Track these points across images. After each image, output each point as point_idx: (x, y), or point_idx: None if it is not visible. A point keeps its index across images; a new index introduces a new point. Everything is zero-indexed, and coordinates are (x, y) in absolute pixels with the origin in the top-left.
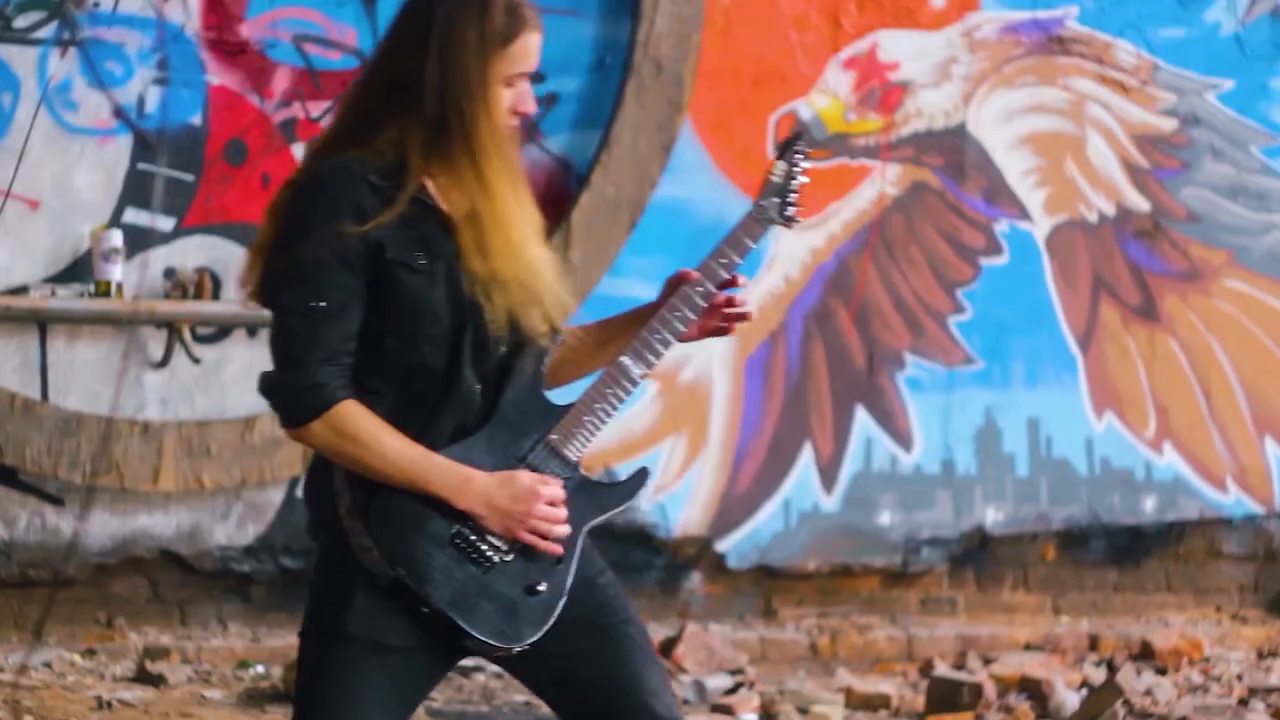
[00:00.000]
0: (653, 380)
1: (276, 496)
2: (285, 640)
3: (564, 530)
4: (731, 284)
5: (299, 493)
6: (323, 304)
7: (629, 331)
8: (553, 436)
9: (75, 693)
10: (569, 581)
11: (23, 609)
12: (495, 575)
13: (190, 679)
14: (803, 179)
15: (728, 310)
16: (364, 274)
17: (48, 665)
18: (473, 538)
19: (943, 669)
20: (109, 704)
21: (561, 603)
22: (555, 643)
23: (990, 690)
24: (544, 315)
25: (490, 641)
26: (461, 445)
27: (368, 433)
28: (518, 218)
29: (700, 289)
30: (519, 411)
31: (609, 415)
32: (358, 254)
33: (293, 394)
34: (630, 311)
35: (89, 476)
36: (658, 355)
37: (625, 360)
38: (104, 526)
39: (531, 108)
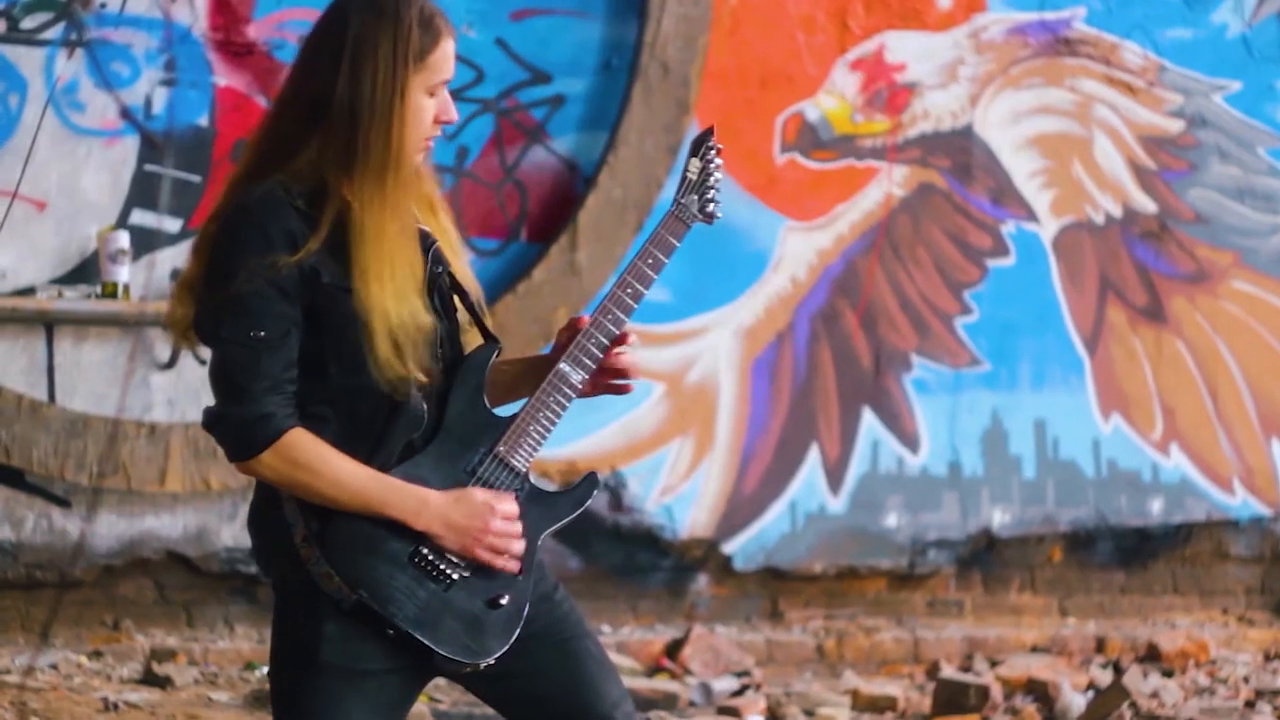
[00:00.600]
0: (659, 382)
1: None
2: None
3: (519, 547)
4: (622, 340)
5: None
6: (262, 334)
7: (538, 366)
8: (500, 448)
9: (82, 694)
10: (530, 592)
11: (29, 611)
12: (456, 591)
13: (197, 681)
14: (717, 174)
15: (614, 370)
16: (300, 301)
17: (54, 667)
18: (431, 556)
19: (949, 671)
20: (115, 706)
21: (525, 613)
22: (515, 661)
23: (997, 692)
24: (410, 359)
25: (456, 658)
26: (410, 464)
27: (320, 459)
28: (394, 246)
29: (629, 290)
30: (464, 425)
31: (553, 423)
32: (293, 281)
33: (240, 426)
34: (533, 356)
35: (96, 478)
36: (594, 359)
37: (564, 367)
38: (111, 528)
39: (454, 115)
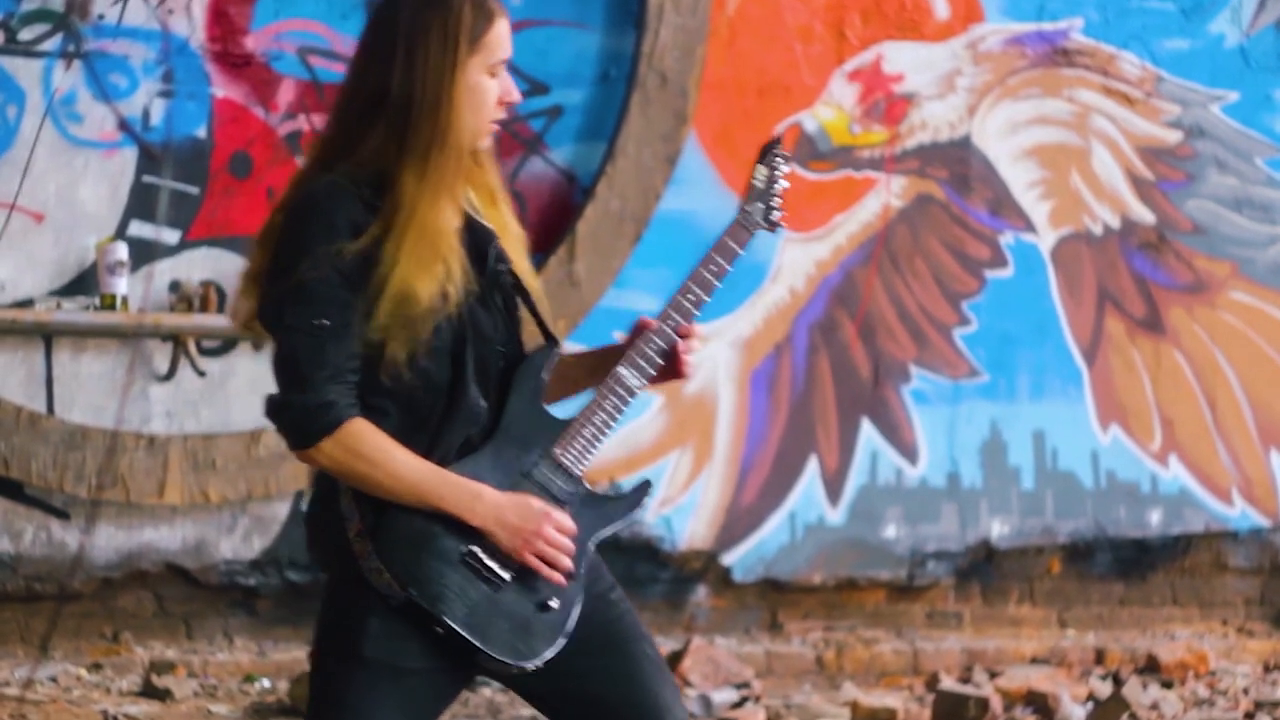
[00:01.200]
0: (658, 394)
1: (282, 510)
2: (291, 654)
3: (568, 563)
4: (689, 334)
5: (305, 506)
6: (326, 322)
7: (599, 363)
8: (556, 450)
9: (81, 707)
10: (580, 596)
11: (29, 623)
12: (507, 593)
13: (196, 693)
14: (784, 183)
15: (674, 364)
16: (362, 291)
17: (54, 679)
18: (484, 556)
19: (948, 682)
20: (115, 718)
21: (573, 617)
22: (566, 661)
23: (996, 704)
24: (404, 344)
25: (504, 660)
26: (468, 461)
27: (379, 450)
28: (440, 232)
29: (690, 296)
30: (522, 425)
31: (610, 427)
32: (356, 270)
33: (302, 414)
34: (596, 349)
35: (94, 490)
36: (654, 365)
37: (622, 371)
38: (110, 540)
39: (517, 96)
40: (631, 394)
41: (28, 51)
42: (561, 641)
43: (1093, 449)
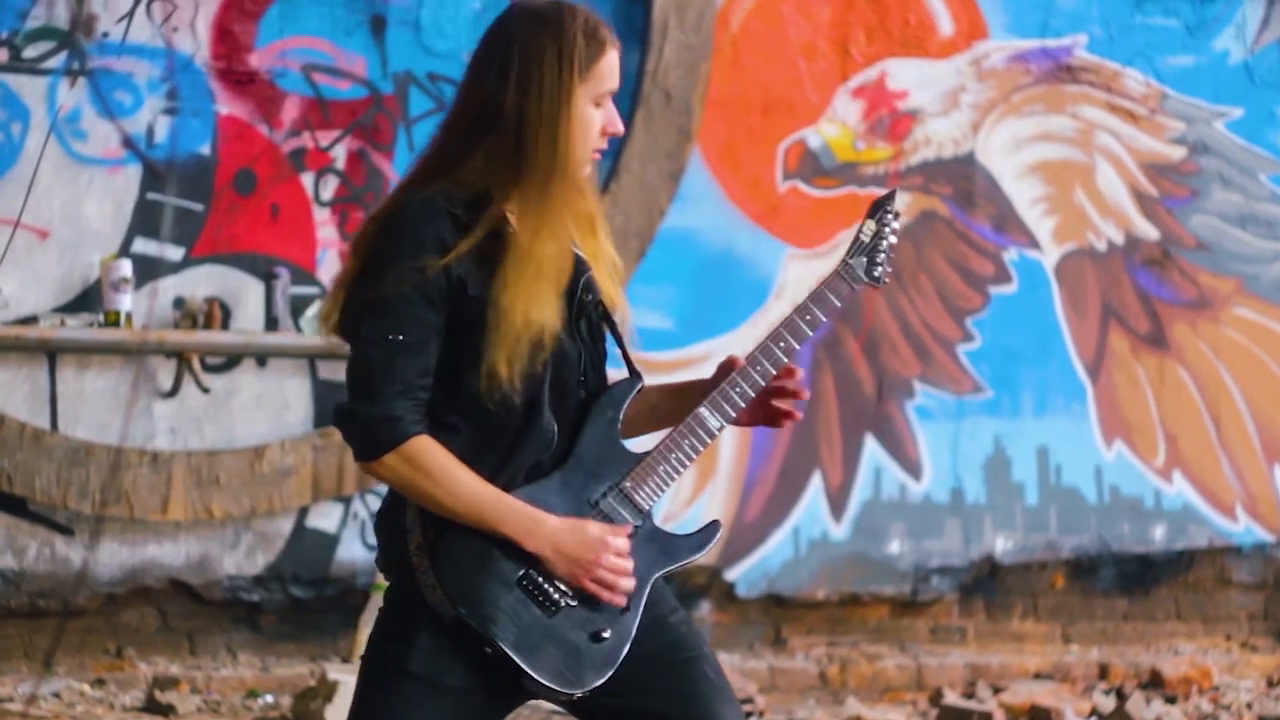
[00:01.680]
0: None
1: (286, 526)
2: (294, 670)
3: (629, 584)
4: (790, 374)
5: (308, 522)
6: (401, 337)
7: (683, 399)
8: (626, 484)
9: None
10: (634, 630)
11: (32, 639)
12: (560, 619)
13: (199, 709)
14: (891, 239)
15: (781, 402)
16: (445, 309)
17: (57, 695)
18: (540, 580)
19: (952, 698)
20: None
21: (625, 650)
22: (627, 680)
23: (1000, 719)
24: (513, 372)
25: (553, 686)
26: (535, 486)
27: (441, 469)
28: (547, 261)
29: (782, 344)
30: (594, 455)
31: (684, 466)
32: (440, 289)
33: (367, 426)
34: (683, 383)
35: (98, 506)
36: (736, 408)
37: (703, 412)
38: (113, 556)
39: (620, 127)
40: (712, 435)
41: (32, 69)
42: (610, 673)
43: (1097, 464)
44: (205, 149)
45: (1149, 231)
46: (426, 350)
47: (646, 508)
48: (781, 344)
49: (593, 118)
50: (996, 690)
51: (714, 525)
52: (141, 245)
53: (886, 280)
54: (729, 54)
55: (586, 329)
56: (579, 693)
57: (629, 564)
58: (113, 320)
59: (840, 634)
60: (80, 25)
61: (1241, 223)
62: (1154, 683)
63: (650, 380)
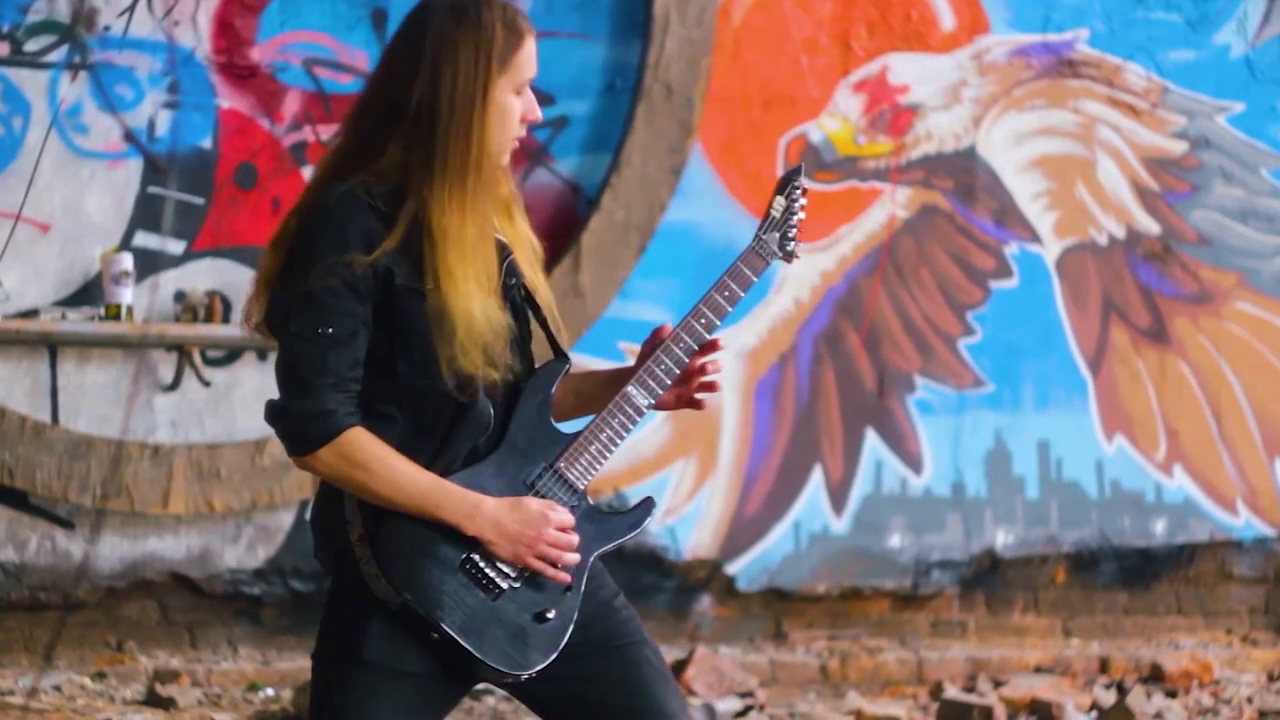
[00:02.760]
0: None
1: (286, 519)
2: (295, 663)
3: (573, 558)
4: (712, 347)
5: (309, 515)
6: (330, 330)
7: (609, 384)
8: (560, 464)
9: (85, 716)
10: (577, 609)
11: (33, 632)
12: (504, 602)
13: (200, 702)
14: (801, 214)
15: (700, 379)
16: (372, 301)
17: (58, 688)
18: (482, 564)
19: (953, 691)
20: None
21: (569, 630)
22: (569, 666)
23: (1001, 713)
24: (481, 362)
25: (499, 668)
26: (471, 471)
27: (377, 459)
28: (470, 246)
29: (703, 320)
30: (527, 437)
31: (616, 444)
32: (366, 281)
33: (300, 421)
34: (608, 369)
35: (99, 499)
36: (662, 385)
37: (631, 390)
38: (114, 549)
39: (539, 115)
40: (640, 413)
41: (34, 63)
42: (555, 653)
43: (1097, 459)
44: (206, 143)
45: (1150, 226)
46: (356, 342)
47: (581, 487)
48: (702, 320)
49: (513, 106)
50: (997, 684)
51: (648, 501)
52: (142, 239)
53: (798, 255)
54: (730, 48)
55: (512, 312)
56: (525, 674)
57: (573, 538)
58: (114, 314)
59: (841, 628)
60: (81, 19)
61: (1243, 217)
62: (1155, 677)
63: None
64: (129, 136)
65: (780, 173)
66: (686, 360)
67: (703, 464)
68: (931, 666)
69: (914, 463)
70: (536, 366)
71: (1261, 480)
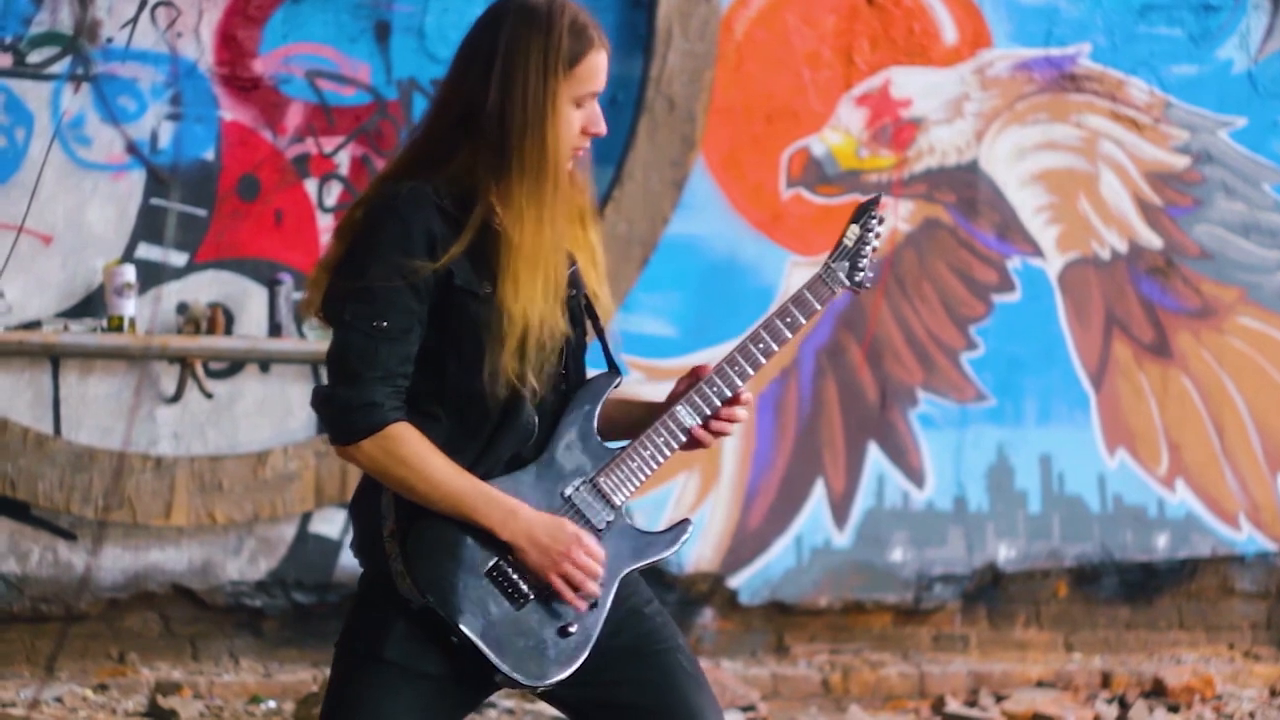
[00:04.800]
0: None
1: (289, 531)
2: (297, 675)
3: (593, 588)
4: (736, 401)
5: (311, 528)
6: (384, 324)
7: (654, 411)
8: (600, 478)
9: None
10: (600, 626)
11: (35, 644)
12: (528, 612)
13: (202, 714)
14: (875, 244)
15: (724, 418)
16: (429, 299)
17: (59, 700)
18: (510, 571)
19: (955, 706)
20: None
21: (590, 647)
22: (604, 671)
23: None
24: (547, 373)
25: (516, 677)
26: (510, 478)
27: (418, 456)
28: (544, 257)
29: (760, 345)
30: (570, 449)
31: (658, 463)
32: (427, 282)
33: (346, 411)
34: (654, 402)
35: (101, 511)
36: (712, 407)
37: (680, 410)
38: (116, 561)
39: (602, 128)
40: (685, 433)
41: (36, 74)
42: (573, 668)
43: (1100, 473)
44: (209, 154)
45: (1152, 240)
46: (409, 339)
47: (618, 502)
48: (760, 345)
49: (572, 117)
50: (999, 699)
51: (684, 523)
52: (145, 250)
53: (868, 285)
54: (733, 61)
55: (569, 321)
56: (541, 686)
57: (598, 567)
58: (116, 325)
59: (843, 641)
60: (84, 31)
61: (1245, 232)
62: (1156, 691)
63: (655, 385)
64: (132, 148)
65: (782, 185)
66: (740, 384)
67: (705, 478)
68: (933, 680)
69: (916, 476)
70: (588, 378)
71: (1264, 495)
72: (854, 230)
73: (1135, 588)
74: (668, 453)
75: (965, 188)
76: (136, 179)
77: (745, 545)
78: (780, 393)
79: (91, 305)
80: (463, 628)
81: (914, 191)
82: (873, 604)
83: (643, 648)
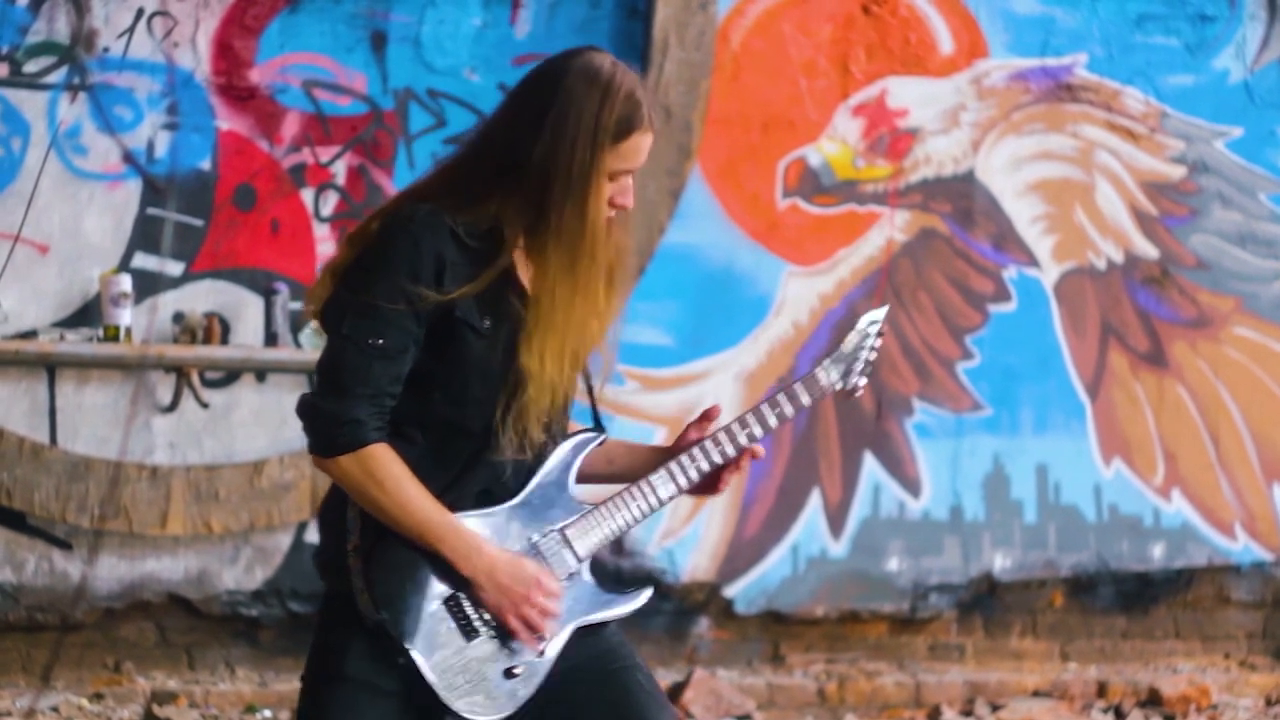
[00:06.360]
0: (660, 426)
1: (284, 541)
2: (293, 684)
3: (550, 629)
4: (752, 454)
5: (307, 537)
6: (381, 342)
7: (640, 459)
8: (569, 531)
9: None
10: (545, 674)
11: (30, 653)
12: (476, 647)
13: None
14: (871, 355)
15: (729, 474)
16: (428, 323)
17: (55, 709)
18: (466, 606)
19: (951, 715)
20: None
21: (533, 692)
22: (562, 691)
23: None
24: (543, 426)
25: (453, 708)
26: (480, 516)
27: (394, 479)
28: (574, 328)
29: (747, 431)
30: (545, 498)
31: (628, 527)
32: (428, 308)
33: (330, 423)
34: (650, 446)
35: (97, 520)
36: (690, 482)
37: (657, 480)
38: (112, 570)
39: (630, 202)
40: (661, 504)
41: (33, 84)
42: (511, 709)
43: (1095, 483)
44: (205, 164)
45: (1148, 250)
46: (403, 359)
47: (583, 555)
48: (747, 430)
49: (606, 189)
50: (995, 708)
51: (645, 589)
52: (141, 260)
53: (860, 391)
54: (729, 71)
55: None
56: (482, 719)
57: (556, 609)
58: (112, 335)
59: (839, 651)
60: (81, 40)
61: (1241, 242)
62: (1152, 701)
63: (651, 395)
64: (128, 158)
65: (778, 195)
66: (721, 463)
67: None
68: (929, 690)
69: (912, 486)
70: (570, 432)
71: (1260, 505)
72: (853, 338)
73: (1131, 597)
74: (640, 519)
75: (961, 198)
76: (133, 188)
77: (741, 554)
78: None
79: (88, 315)
80: (411, 650)
81: (910, 201)
82: (869, 613)
83: (603, 666)
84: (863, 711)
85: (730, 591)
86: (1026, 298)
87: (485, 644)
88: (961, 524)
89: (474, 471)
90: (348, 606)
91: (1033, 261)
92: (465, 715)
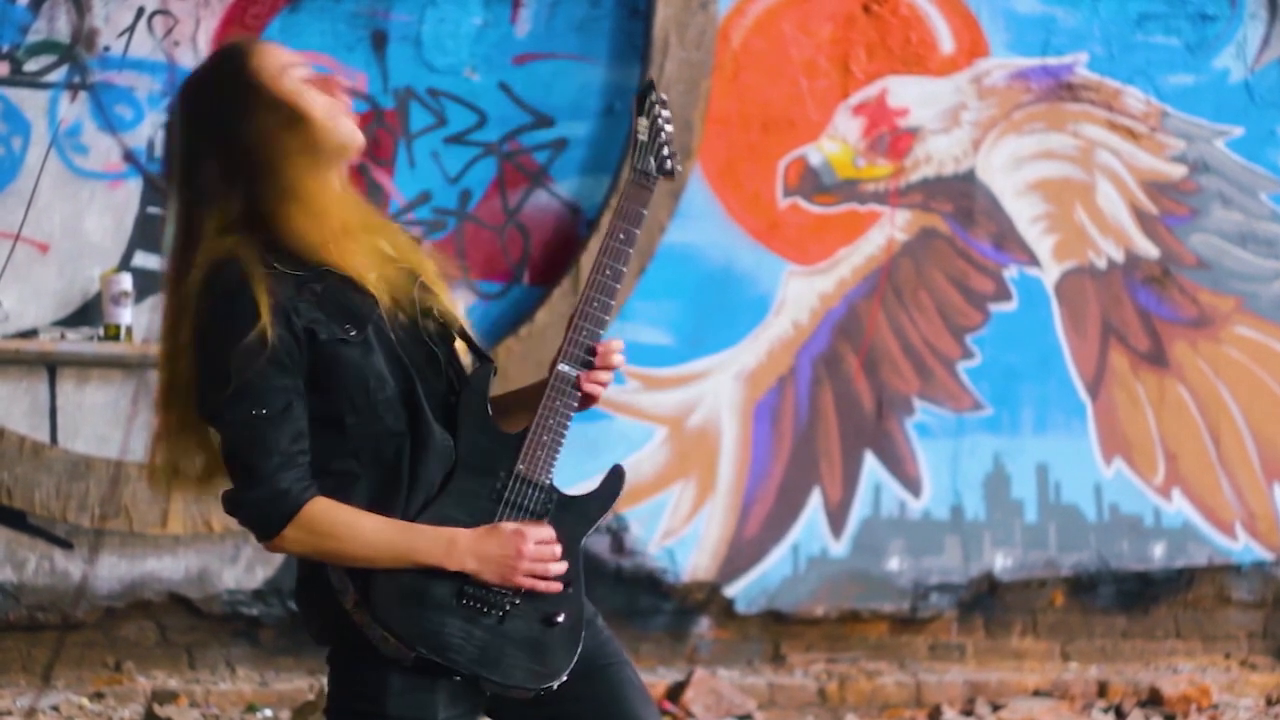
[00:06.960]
0: (661, 426)
1: None
2: (293, 684)
3: (560, 568)
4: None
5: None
6: (264, 411)
7: (534, 392)
8: (520, 466)
9: None
10: (583, 601)
11: (31, 652)
12: (512, 620)
13: None
14: (667, 128)
15: (601, 369)
16: (299, 368)
17: (55, 709)
18: (479, 592)
19: (951, 715)
20: None
21: (584, 623)
22: (559, 688)
23: None
24: (426, 283)
25: (527, 686)
26: (434, 506)
27: (341, 524)
28: (364, 233)
29: (608, 271)
30: (479, 452)
31: (565, 426)
32: (288, 351)
33: (258, 508)
34: (531, 385)
35: (98, 520)
36: (591, 352)
37: (563, 368)
38: (112, 570)
39: (345, 83)
40: (577, 387)
41: (33, 83)
42: (579, 649)
43: (1096, 482)
44: None
45: (1149, 250)
46: (292, 414)
47: (547, 481)
48: (608, 271)
49: (314, 98)
50: (995, 708)
51: (617, 470)
52: (142, 259)
53: (679, 167)
54: (730, 71)
55: (435, 330)
56: (557, 682)
57: (555, 548)
58: (113, 334)
59: (839, 651)
60: (81, 39)
61: (1242, 241)
62: (1153, 701)
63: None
64: (129, 157)
65: (779, 194)
66: (606, 319)
67: (701, 486)
68: (930, 689)
69: (913, 486)
70: (466, 377)
71: (1260, 504)
72: (643, 123)
73: (1132, 597)
74: (570, 414)
75: (962, 197)
76: (134, 187)
77: (742, 554)
78: (777, 402)
79: (88, 314)
80: (459, 665)
81: (911, 201)
82: (869, 613)
83: (593, 662)
84: (863, 711)
85: (731, 591)
86: (1027, 297)
87: (516, 613)
88: (962, 523)
89: (424, 464)
90: (368, 655)
91: (1033, 261)
92: (544, 684)
